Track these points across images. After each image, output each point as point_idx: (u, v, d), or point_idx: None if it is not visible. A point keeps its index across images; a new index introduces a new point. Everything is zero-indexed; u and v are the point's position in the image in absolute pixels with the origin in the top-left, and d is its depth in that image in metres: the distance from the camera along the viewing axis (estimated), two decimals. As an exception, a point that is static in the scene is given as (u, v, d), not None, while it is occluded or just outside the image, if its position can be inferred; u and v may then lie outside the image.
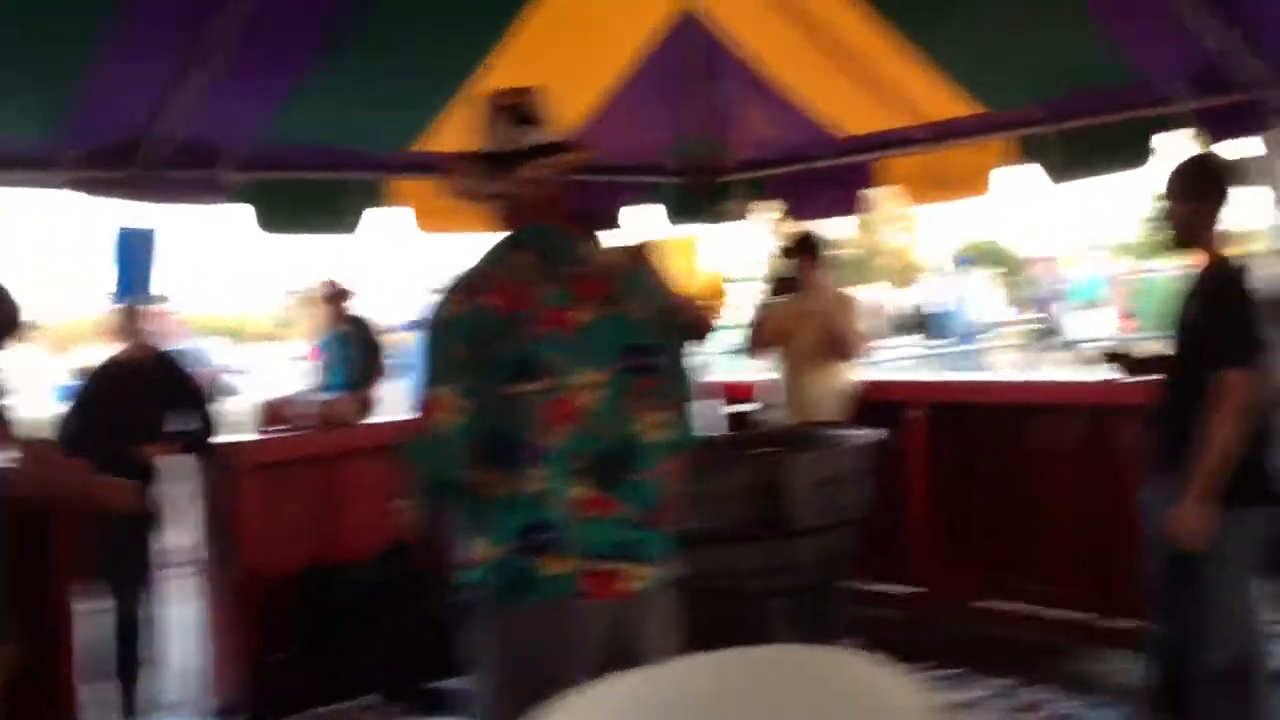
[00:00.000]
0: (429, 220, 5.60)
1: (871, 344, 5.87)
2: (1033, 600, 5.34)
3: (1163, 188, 3.81)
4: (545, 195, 2.58)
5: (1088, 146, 5.14)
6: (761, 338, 5.85)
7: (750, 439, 4.81)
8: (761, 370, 5.99)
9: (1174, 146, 5.08)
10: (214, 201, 5.09)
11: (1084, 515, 5.11)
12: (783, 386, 5.79)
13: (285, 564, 5.07)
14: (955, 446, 5.56)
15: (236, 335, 28.05)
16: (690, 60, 5.87)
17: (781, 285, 5.74)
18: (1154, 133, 4.99)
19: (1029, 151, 5.36)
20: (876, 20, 5.07)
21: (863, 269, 33.85)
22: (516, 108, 2.58)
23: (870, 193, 6.06)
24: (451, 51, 4.96)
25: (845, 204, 6.19)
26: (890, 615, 5.58)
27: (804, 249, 5.72)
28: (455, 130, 4.83)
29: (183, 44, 4.40)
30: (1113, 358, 4.08)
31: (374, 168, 5.44)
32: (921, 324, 19.69)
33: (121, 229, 5.03)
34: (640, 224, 6.56)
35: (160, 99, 4.62)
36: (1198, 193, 3.71)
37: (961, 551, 5.53)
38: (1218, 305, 3.66)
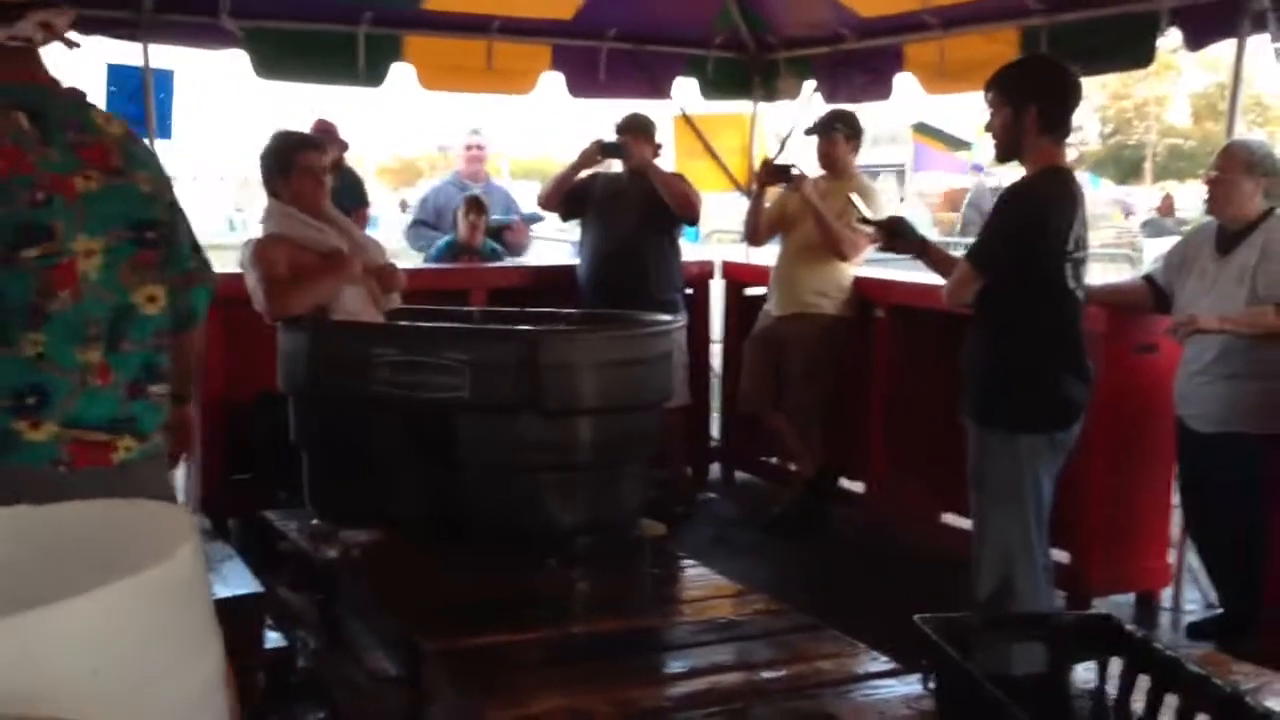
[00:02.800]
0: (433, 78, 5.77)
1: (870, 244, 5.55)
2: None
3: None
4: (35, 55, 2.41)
5: (1083, 42, 4.73)
6: (761, 225, 5.73)
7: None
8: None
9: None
10: (220, 47, 5.45)
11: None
12: (777, 275, 5.66)
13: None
14: (910, 350, 5.30)
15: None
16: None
17: (776, 173, 5.56)
18: (1153, 32, 4.55)
19: (1026, 44, 4.98)
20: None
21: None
22: None
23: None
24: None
25: (876, 89, 5.90)
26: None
27: (830, 128, 5.51)
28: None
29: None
30: (872, 223, 3.95)
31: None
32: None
33: (157, 71, 5.38)
34: (684, 98, 6.50)
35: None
36: (1015, 99, 3.43)
37: (907, 461, 5.33)
38: (994, 212, 3.58)
